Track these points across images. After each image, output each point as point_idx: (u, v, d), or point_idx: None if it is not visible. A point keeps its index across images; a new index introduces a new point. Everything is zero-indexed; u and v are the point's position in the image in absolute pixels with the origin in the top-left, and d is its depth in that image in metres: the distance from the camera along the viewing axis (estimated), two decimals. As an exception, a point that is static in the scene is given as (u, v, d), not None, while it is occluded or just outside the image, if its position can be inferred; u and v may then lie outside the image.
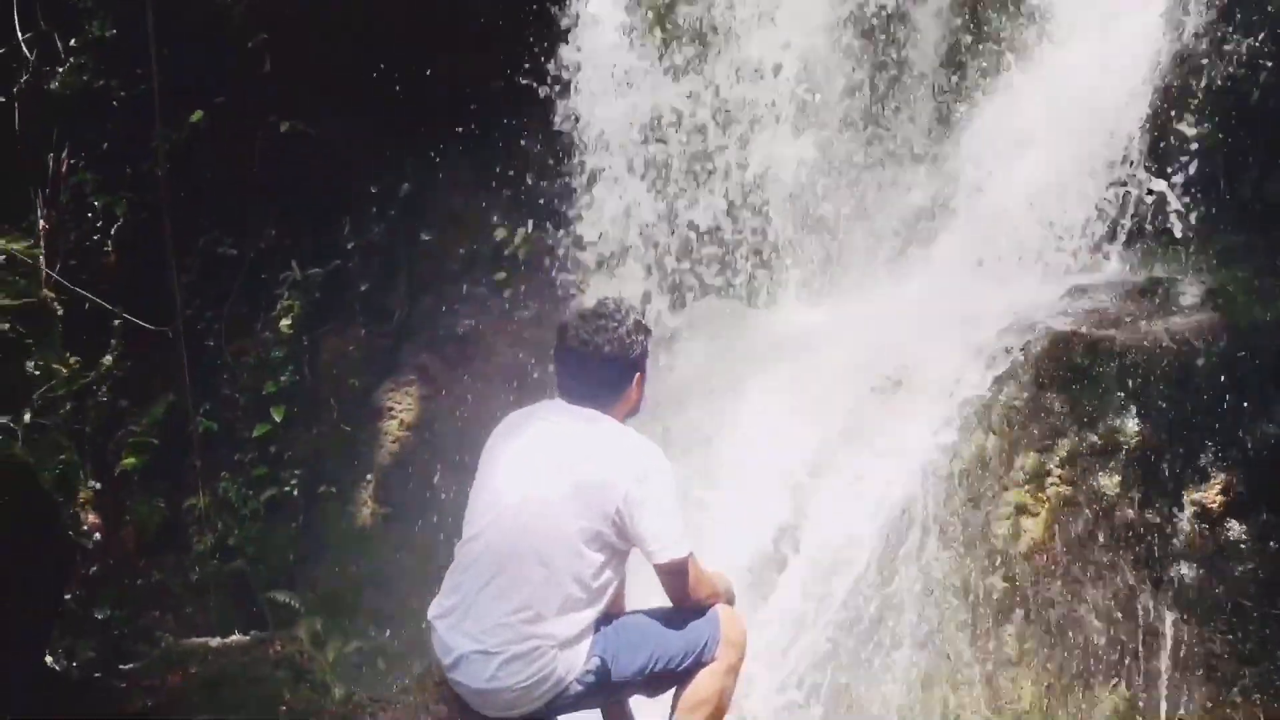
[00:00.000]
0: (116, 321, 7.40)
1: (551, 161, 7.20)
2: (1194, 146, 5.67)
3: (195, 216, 7.70)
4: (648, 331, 3.61)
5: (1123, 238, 5.72)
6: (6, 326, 5.10)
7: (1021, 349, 5.03)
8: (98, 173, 7.66)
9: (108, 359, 7.34)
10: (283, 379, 7.63)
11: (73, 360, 6.90)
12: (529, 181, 7.44)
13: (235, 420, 7.68)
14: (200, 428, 7.49)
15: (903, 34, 6.36)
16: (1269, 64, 5.56)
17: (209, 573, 7.41)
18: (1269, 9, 5.34)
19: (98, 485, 7.10)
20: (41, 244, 7.17)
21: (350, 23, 7.38)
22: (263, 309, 7.78)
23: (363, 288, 7.81)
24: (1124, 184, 5.78)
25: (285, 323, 7.67)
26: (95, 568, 7.40)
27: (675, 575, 3.42)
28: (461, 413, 7.19)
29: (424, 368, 7.60)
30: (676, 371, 5.87)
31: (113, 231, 7.67)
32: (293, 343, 7.64)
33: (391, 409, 7.55)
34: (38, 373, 5.52)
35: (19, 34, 7.51)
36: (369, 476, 7.47)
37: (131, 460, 7.48)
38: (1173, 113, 5.63)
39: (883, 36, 6.31)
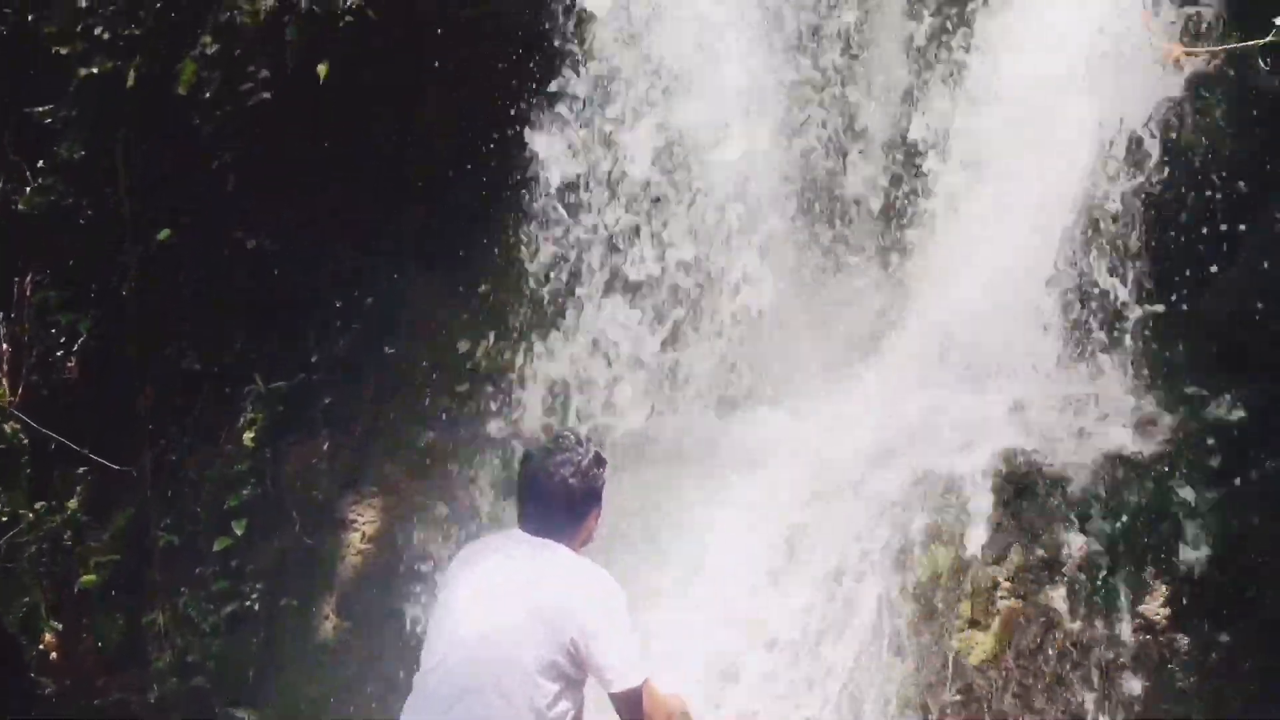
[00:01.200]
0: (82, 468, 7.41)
1: (518, 278, 7.34)
2: (1131, 263, 5.86)
3: (160, 332, 7.80)
4: (604, 464, 3.74)
5: (1066, 353, 5.87)
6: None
7: (968, 467, 5.15)
8: (62, 290, 7.75)
9: (73, 503, 7.35)
10: (245, 492, 7.65)
11: (39, 506, 6.93)
12: (495, 296, 7.60)
13: (196, 534, 7.68)
14: (160, 542, 7.50)
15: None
16: (1201, 180, 5.79)
17: (169, 690, 7.36)
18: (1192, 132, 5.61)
19: (59, 626, 7.06)
20: (4, 370, 7.23)
21: (319, 142, 7.58)
22: (226, 422, 7.84)
23: (327, 400, 7.88)
24: (1067, 297, 5.98)
25: (249, 435, 7.73)
26: (53, 687, 7.32)
27: (630, 704, 3.49)
28: (424, 526, 7.23)
29: (387, 480, 7.64)
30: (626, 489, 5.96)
31: (75, 348, 7.72)
32: (255, 455, 7.69)
33: (354, 521, 7.56)
34: (4, 518, 5.55)
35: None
36: (331, 590, 7.46)
37: (91, 578, 7.46)
38: (1106, 230, 5.83)
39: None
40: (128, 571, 7.61)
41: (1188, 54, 5.15)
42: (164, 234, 7.71)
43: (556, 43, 7.05)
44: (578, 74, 7.00)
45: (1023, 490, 5.14)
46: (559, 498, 3.59)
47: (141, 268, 7.69)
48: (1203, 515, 4.88)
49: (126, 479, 7.78)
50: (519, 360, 7.33)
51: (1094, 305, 5.92)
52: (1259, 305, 5.26)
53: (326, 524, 7.60)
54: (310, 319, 7.97)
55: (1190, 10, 5.56)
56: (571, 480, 3.59)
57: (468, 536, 6.49)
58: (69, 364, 7.68)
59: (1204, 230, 5.57)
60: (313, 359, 7.89)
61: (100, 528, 7.62)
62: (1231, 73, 5.54)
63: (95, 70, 7.43)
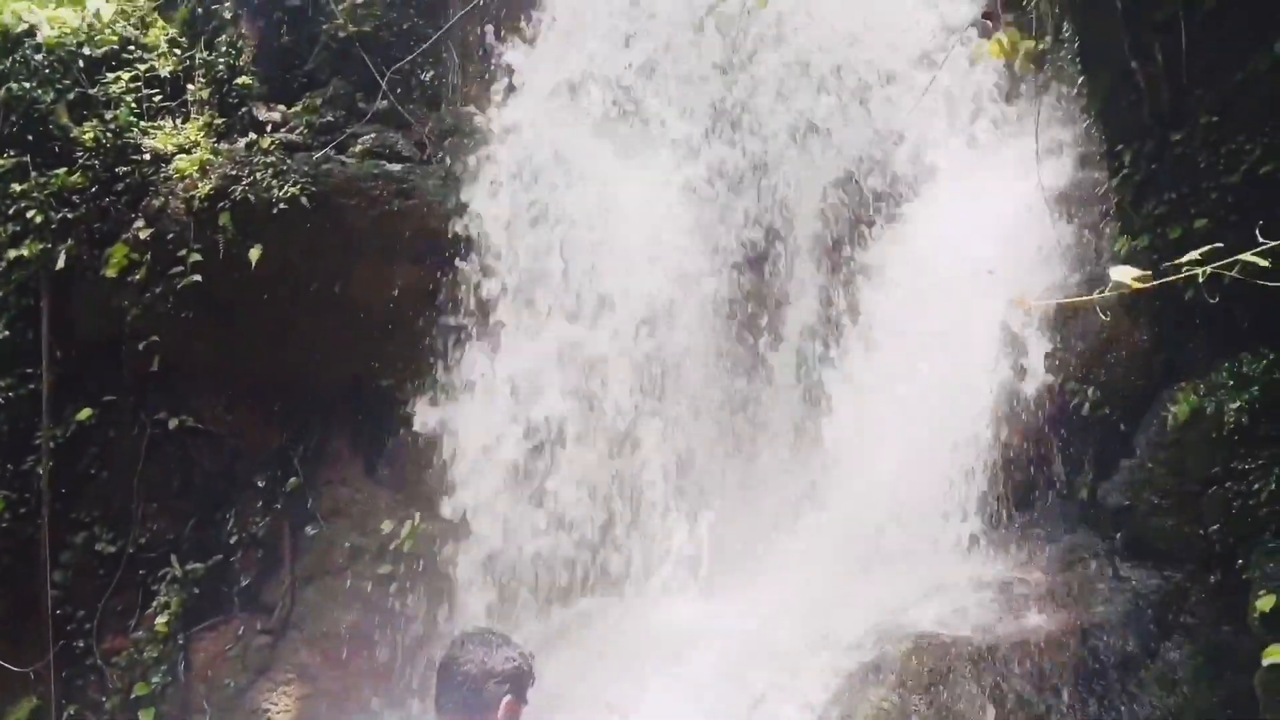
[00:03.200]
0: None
1: (436, 460, 7.40)
2: (1035, 452, 6.10)
3: (74, 513, 7.66)
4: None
5: (979, 538, 6.04)
6: None
7: (885, 652, 5.22)
8: (-24, 471, 7.60)
9: None
10: (155, 680, 7.42)
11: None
12: (417, 476, 7.62)
13: (103, 725, 7.39)
14: (64, 734, 7.20)
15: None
16: (1100, 374, 6.10)
17: None
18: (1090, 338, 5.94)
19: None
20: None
21: (247, 323, 7.65)
22: (138, 606, 7.64)
23: (244, 582, 7.76)
24: (982, 479, 6.19)
25: (161, 620, 7.53)
26: None
27: None
28: (341, 715, 7.04)
29: (304, 666, 7.47)
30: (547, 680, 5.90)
31: (-15, 530, 7.53)
32: (167, 642, 7.48)
33: (268, 710, 7.35)
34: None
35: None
36: (242, 783, 7.19)
37: (-13, 772, 7.11)
38: (1012, 424, 6.08)
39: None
40: (27, 765, 7.27)
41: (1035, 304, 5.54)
42: (85, 414, 7.65)
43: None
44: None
45: (939, 674, 5.20)
46: (464, 687, 3.64)
47: (58, 448, 7.59)
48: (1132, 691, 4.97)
49: (31, 655, 7.47)
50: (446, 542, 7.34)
51: (1009, 489, 6.14)
52: (1152, 499, 5.48)
53: (239, 713, 7.37)
54: (230, 499, 7.90)
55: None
56: (477, 671, 3.63)
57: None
58: (-23, 547, 7.49)
59: (1103, 422, 5.84)
60: (231, 540, 7.78)
61: (-1, 717, 7.30)
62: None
63: (25, 253, 7.47)
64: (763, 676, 5.41)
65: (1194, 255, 2.61)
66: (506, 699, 3.70)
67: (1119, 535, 5.72)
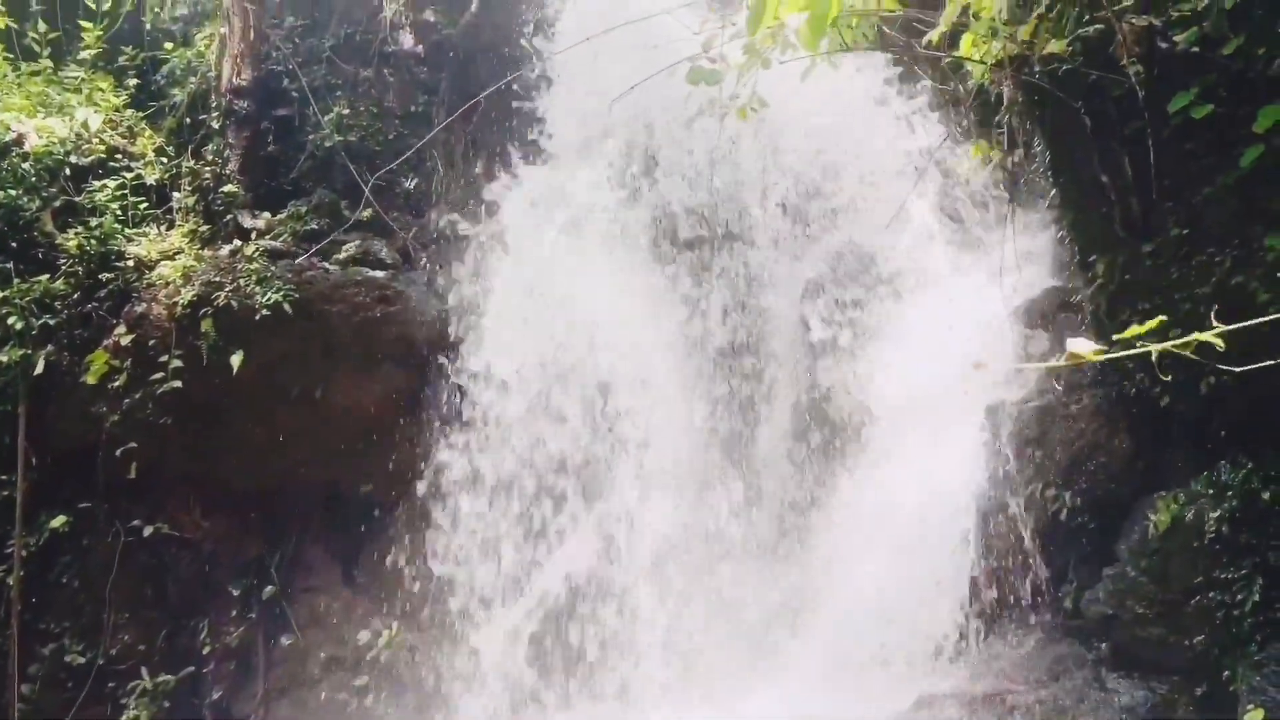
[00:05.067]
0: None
1: (416, 565, 7.31)
2: (1018, 560, 6.07)
3: (44, 624, 7.49)
4: None
5: (964, 649, 5.97)
6: None
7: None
8: (-55, 580, 7.45)
9: None
10: (120, 800, 7.19)
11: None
12: (395, 583, 7.53)
13: (64, 847, 7.13)
14: None
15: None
16: (1080, 482, 6.10)
17: None
18: (1070, 446, 5.96)
19: None
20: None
21: (227, 428, 7.60)
22: (107, 720, 7.44)
23: (216, 695, 7.58)
24: (966, 593, 6.14)
25: (129, 735, 7.33)
26: None
27: None
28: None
29: (276, 784, 7.28)
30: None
31: (-47, 641, 7.35)
32: (136, 759, 7.27)
33: (239, 829, 7.14)
34: None
35: None
36: None
37: None
38: (995, 528, 6.07)
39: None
40: None
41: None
42: (59, 521, 7.53)
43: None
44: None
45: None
46: None
47: (30, 557, 7.46)
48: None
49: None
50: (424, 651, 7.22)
51: (993, 598, 6.09)
52: (1136, 609, 5.45)
53: (207, 834, 7.15)
54: (204, 608, 7.75)
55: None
56: None
57: None
58: (-58, 659, 7.30)
59: (1084, 530, 5.83)
60: (204, 651, 7.62)
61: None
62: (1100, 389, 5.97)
63: (4, 359, 7.44)
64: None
65: (1141, 329, 2.62)
66: None
67: (1104, 645, 5.67)
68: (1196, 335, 2.74)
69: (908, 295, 6.95)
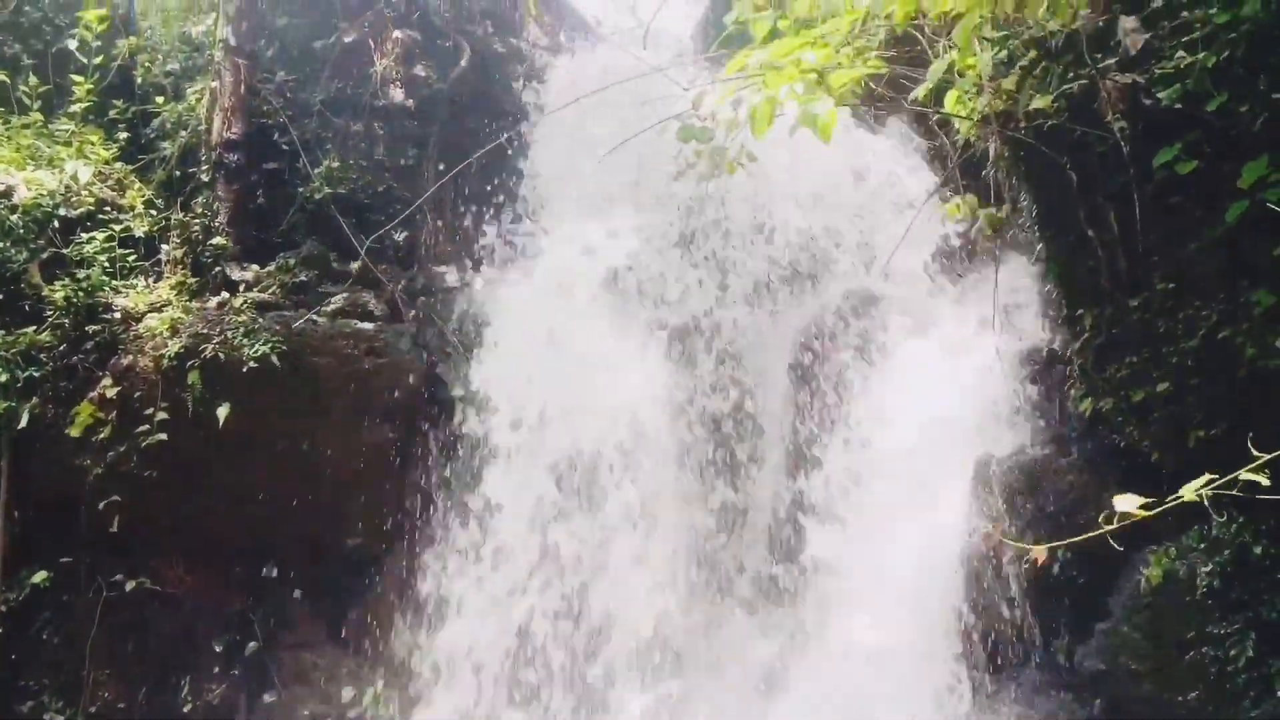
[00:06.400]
0: None
1: (402, 622, 7.24)
2: (1010, 616, 6.03)
3: (23, 681, 7.38)
4: None
5: (957, 707, 5.92)
6: None
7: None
8: (-77, 635, 7.34)
9: None
10: None
11: None
12: (381, 641, 7.44)
13: None
14: None
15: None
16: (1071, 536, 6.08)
17: None
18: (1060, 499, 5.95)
19: None
20: None
21: (212, 481, 7.54)
22: (86, 782, 7.30)
23: (197, 755, 7.45)
24: (954, 651, 6.09)
25: (108, 796, 7.18)
26: None
27: None
28: None
29: None
30: None
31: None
32: (113, 822, 7.12)
33: None
34: None
35: None
36: None
37: None
38: (986, 583, 6.03)
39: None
40: None
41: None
42: (40, 576, 7.43)
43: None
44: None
45: None
46: None
47: (10, 612, 7.35)
48: None
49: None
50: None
51: (985, 654, 6.04)
52: (1129, 665, 5.41)
53: None
54: (186, 664, 7.64)
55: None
56: None
57: None
58: (-83, 719, 7.17)
59: (1076, 586, 5.80)
60: (185, 709, 7.50)
61: None
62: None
63: (-13, 411, 7.40)
64: None
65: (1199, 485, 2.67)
66: None
67: (1098, 701, 5.62)
68: (1240, 474, 2.78)
69: (896, 348, 6.96)
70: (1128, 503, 2.65)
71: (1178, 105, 5.21)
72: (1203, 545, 5.25)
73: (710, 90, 4.47)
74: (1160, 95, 5.26)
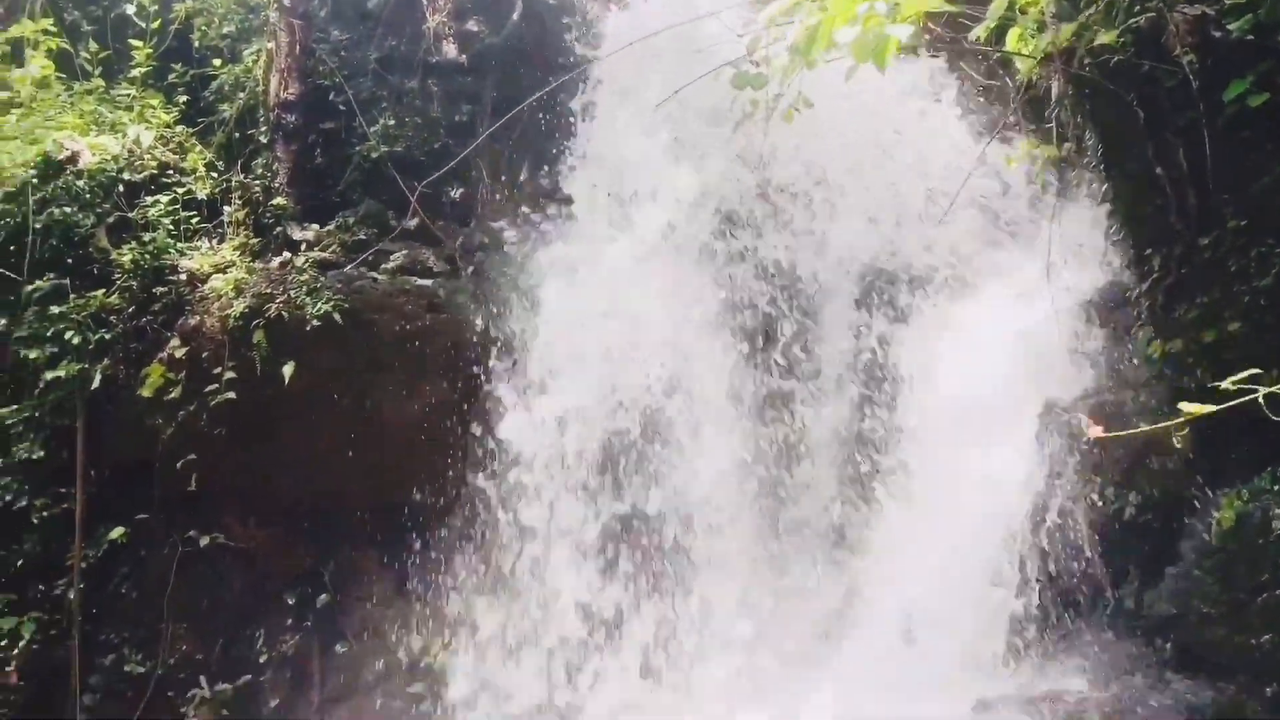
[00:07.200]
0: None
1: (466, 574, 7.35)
2: (1079, 560, 5.97)
3: (104, 634, 7.61)
4: None
5: (1023, 651, 5.89)
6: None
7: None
8: (8, 591, 7.57)
9: None
10: (184, 806, 7.28)
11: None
12: (447, 592, 7.56)
13: None
14: None
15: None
16: (1141, 480, 6.00)
17: None
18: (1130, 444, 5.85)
19: None
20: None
21: (280, 439, 7.67)
22: (167, 729, 7.53)
23: (273, 703, 7.63)
24: (1021, 593, 6.05)
25: (190, 743, 7.41)
26: None
27: None
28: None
29: (335, 792, 7.33)
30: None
31: (16, 651, 7.46)
32: (196, 766, 7.35)
33: (298, 836, 7.19)
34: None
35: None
36: None
37: None
38: (1053, 528, 5.97)
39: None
40: None
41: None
42: (118, 533, 7.64)
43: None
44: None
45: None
46: None
47: (90, 569, 7.57)
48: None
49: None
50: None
51: (1053, 599, 6.00)
52: (1200, 608, 5.34)
53: (267, 837, 7.21)
54: (260, 618, 7.82)
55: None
56: None
57: None
58: (9, 669, 7.41)
59: (1146, 528, 5.73)
60: (260, 660, 7.68)
61: None
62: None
63: (61, 374, 7.56)
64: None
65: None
66: None
67: (1168, 645, 5.57)
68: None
69: (958, 295, 6.87)
70: (1191, 408, 2.66)
71: (1249, 36, 5.06)
72: (1275, 488, 5.16)
73: (764, 30, 4.38)
74: (1230, 26, 5.12)
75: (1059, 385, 6.05)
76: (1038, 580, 6.01)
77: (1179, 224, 5.59)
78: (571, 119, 8.59)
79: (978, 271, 6.91)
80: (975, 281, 6.88)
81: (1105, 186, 6.09)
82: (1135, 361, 6.04)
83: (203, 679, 7.56)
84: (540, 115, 8.34)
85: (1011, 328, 6.59)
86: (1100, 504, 6.00)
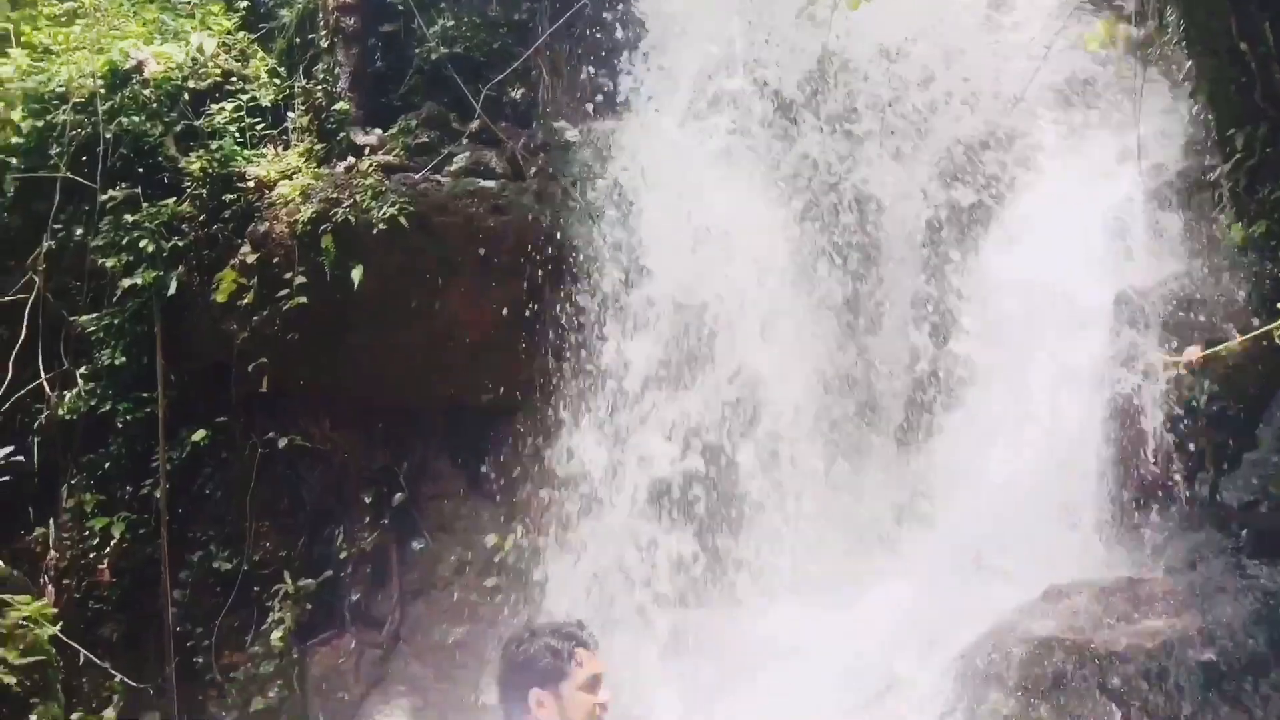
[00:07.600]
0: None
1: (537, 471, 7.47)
2: (1153, 448, 5.92)
3: (191, 532, 7.88)
4: (563, 647, 3.66)
5: (1097, 539, 5.88)
6: (14, 681, 5.16)
7: (1004, 656, 5.09)
8: (98, 493, 7.85)
9: (110, 713, 7.30)
10: (271, 694, 7.57)
11: (74, 717, 6.91)
12: (518, 489, 7.69)
13: (222, 739, 7.57)
14: (186, 748, 7.38)
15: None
16: (1217, 367, 5.89)
17: None
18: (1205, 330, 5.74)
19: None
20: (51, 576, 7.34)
21: (350, 342, 7.79)
22: (254, 622, 7.81)
23: (354, 597, 7.88)
24: (1095, 484, 6.03)
25: (276, 635, 7.67)
26: None
27: None
28: (454, 725, 7.13)
29: (415, 678, 7.56)
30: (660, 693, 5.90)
31: (107, 551, 7.76)
32: (283, 657, 7.63)
33: (381, 723, 7.46)
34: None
35: (43, 373, 7.85)
36: (360, 794, 7.30)
37: (112, 785, 7.31)
38: (1127, 420, 5.92)
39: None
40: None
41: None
42: (199, 435, 7.86)
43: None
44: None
45: (1060, 677, 5.06)
46: (503, 678, 3.70)
47: (174, 470, 7.81)
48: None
49: (151, 671, 7.71)
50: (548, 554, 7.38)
51: (1127, 487, 5.96)
52: (1278, 495, 5.29)
53: (354, 726, 7.49)
54: (338, 516, 8.04)
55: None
56: (503, 663, 3.69)
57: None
58: (101, 568, 7.72)
59: (1222, 415, 5.65)
60: (340, 556, 7.92)
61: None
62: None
63: (139, 281, 7.73)
64: (876, 683, 5.32)
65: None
66: (534, 691, 3.63)
67: (1244, 532, 5.52)
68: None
69: (1034, 178, 6.73)
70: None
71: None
72: (1361, 370, 5.05)
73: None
74: (1325, -112, 4.87)
75: (1137, 271, 5.93)
76: (1112, 469, 5.97)
77: (1263, 102, 5.39)
78: (636, 15, 8.44)
79: (1057, 153, 6.73)
80: (1054, 164, 6.71)
81: (1188, 65, 5.88)
82: (1217, 245, 5.90)
83: (286, 574, 7.81)
84: (603, 11, 8.20)
85: (1088, 213, 6.45)
86: (1177, 392, 5.91)
